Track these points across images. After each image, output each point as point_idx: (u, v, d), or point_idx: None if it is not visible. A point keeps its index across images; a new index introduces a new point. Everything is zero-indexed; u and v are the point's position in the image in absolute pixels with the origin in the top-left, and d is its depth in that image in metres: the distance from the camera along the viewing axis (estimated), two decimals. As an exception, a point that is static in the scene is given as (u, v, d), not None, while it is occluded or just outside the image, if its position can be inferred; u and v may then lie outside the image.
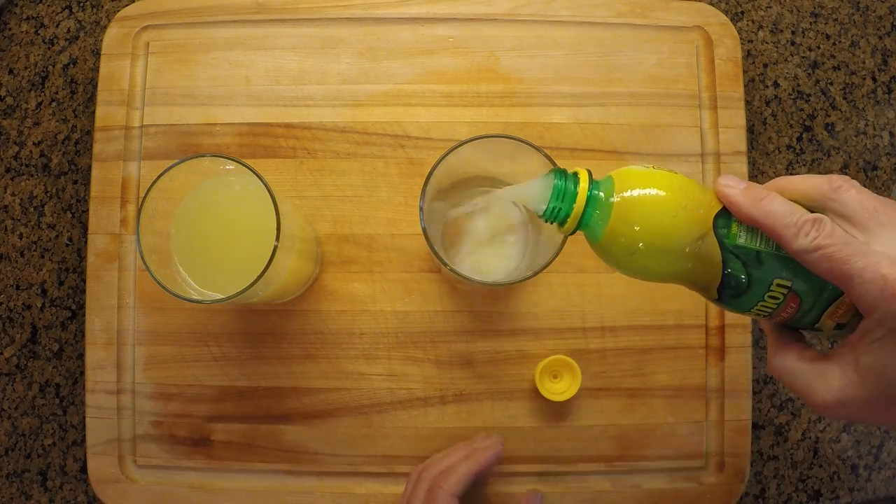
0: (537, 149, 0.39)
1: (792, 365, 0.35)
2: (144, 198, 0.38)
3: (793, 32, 0.57)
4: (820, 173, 0.55)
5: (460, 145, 0.39)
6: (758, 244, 0.31)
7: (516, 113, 0.52)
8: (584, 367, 0.50)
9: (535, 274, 0.39)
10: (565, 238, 0.38)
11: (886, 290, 0.30)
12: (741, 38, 0.55)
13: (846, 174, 0.55)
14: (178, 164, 0.39)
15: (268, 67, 0.53)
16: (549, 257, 0.39)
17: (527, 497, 0.47)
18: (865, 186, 0.55)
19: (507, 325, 0.51)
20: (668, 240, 0.31)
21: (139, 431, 0.50)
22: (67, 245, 0.55)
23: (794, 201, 0.32)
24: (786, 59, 0.56)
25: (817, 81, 0.56)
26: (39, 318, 0.54)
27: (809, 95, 0.56)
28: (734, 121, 0.52)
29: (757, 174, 0.55)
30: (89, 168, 0.52)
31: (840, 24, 0.57)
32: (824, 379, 0.33)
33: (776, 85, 0.56)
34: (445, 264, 0.38)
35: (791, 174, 0.55)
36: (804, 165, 0.55)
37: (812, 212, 0.31)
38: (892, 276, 0.29)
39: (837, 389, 0.33)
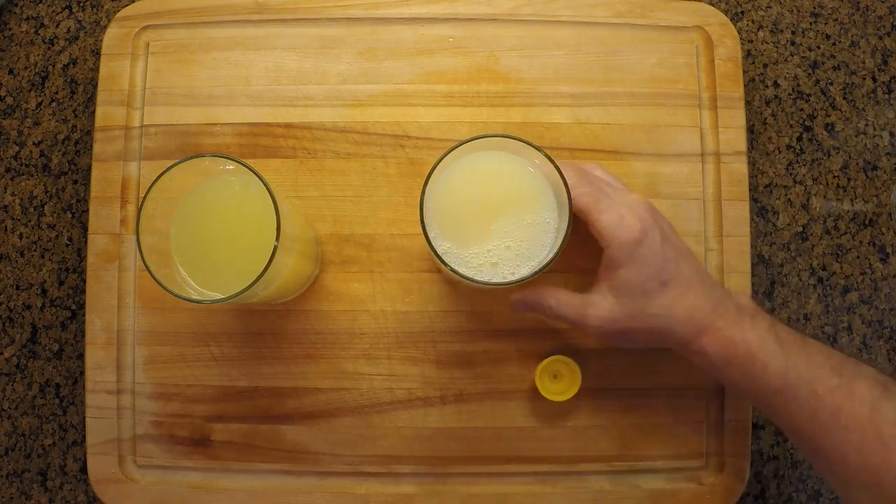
0: (537, 148, 0.39)
1: (566, 299, 0.43)
2: (144, 198, 0.38)
3: (793, 32, 0.57)
4: (820, 173, 0.55)
5: (461, 144, 0.39)
6: None
7: (516, 113, 0.52)
8: (584, 367, 0.50)
9: (535, 274, 0.39)
10: (566, 238, 0.38)
11: (622, 224, 0.40)
12: (741, 38, 0.55)
13: (846, 174, 0.55)
14: (178, 164, 0.39)
15: (268, 67, 0.53)
16: (550, 257, 0.39)
17: None
18: (865, 186, 0.56)
19: (507, 325, 0.51)
20: None
21: (139, 431, 0.50)
22: (67, 245, 0.55)
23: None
24: (786, 59, 0.56)
25: (817, 81, 0.56)
26: (39, 318, 0.54)
27: (809, 95, 0.56)
28: (734, 121, 0.52)
29: (757, 174, 0.55)
30: (89, 168, 0.52)
31: (840, 24, 0.57)
32: (593, 306, 0.42)
33: (776, 85, 0.56)
34: (445, 264, 0.38)
35: (791, 174, 0.55)
36: (804, 165, 0.55)
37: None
38: (627, 215, 0.41)
39: (604, 310, 0.42)
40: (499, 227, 0.41)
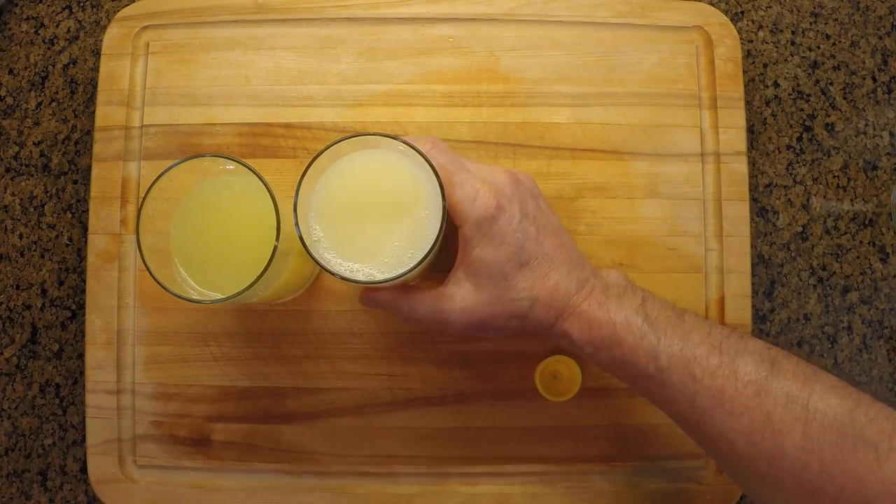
0: (408, 143, 0.37)
1: (416, 299, 0.40)
2: (144, 198, 0.38)
3: (793, 32, 0.57)
4: (820, 173, 0.55)
5: (336, 143, 0.37)
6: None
7: (516, 113, 0.52)
8: (584, 367, 0.50)
9: (413, 269, 0.36)
10: (441, 230, 0.37)
11: (477, 199, 0.37)
12: (741, 38, 0.55)
13: (846, 174, 0.55)
14: (178, 164, 0.39)
15: (268, 67, 0.53)
16: (426, 251, 0.36)
17: None
18: (865, 186, 0.56)
19: (507, 325, 0.51)
20: None
21: (139, 431, 0.50)
22: (67, 245, 0.55)
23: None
24: (786, 59, 0.56)
25: (817, 81, 0.56)
26: (39, 318, 0.54)
27: (809, 95, 0.56)
28: (734, 121, 0.52)
29: (757, 174, 0.55)
30: (89, 168, 0.52)
31: (840, 24, 0.57)
32: (450, 299, 0.39)
33: (776, 85, 0.56)
34: (323, 266, 0.37)
35: (791, 174, 0.55)
36: (804, 165, 0.55)
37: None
38: (482, 189, 0.37)
39: (462, 301, 0.38)
40: (384, 230, 0.39)
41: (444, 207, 0.37)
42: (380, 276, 0.38)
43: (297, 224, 0.37)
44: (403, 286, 0.41)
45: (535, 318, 0.39)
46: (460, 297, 0.39)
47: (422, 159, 0.37)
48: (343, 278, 0.37)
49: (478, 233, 0.38)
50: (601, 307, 0.39)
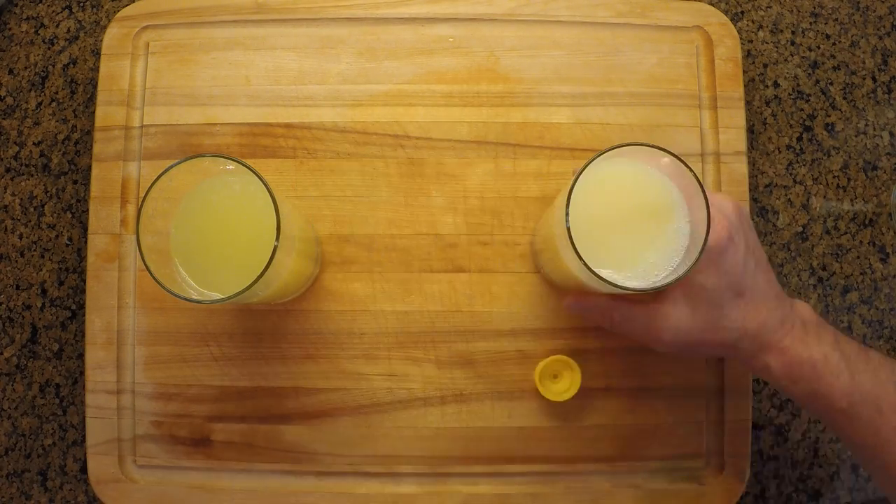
0: (676, 156, 0.37)
1: (631, 312, 0.41)
2: (144, 198, 0.38)
3: (793, 32, 0.57)
4: (820, 173, 0.55)
5: (597, 157, 0.37)
6: None
7: (516, 113, 0.52)
8: (584, 367, 0.50)
9: (679, 279, 0.37)
10: (706, 242, 0.36)
11: (712, 227, 0.37)
12: (741, 38, 0.55)
13: (846, 174, 0.55)
14: (178, 164, 0.39)
15: (268, 67, 0.53)
16: (690, 263, 0.37)
17: None
18: (865, 186, 0.56)
19: (507, 325, 0.51)
20: None
21: (139, 431, 0.50)
22: (67, 245, 0.55)
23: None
24: (786, 59, 0.56)
25: (817, 81, 0.56)
26: (39, 318, 0.54)
27: (809, 95, 0.56)
28: (734, 121, 0.52)
29: (757, 174, 0.55)
30: (89, 168, 0.52)
31: (840, 24, 0.57)
32: (665, 318, 0.40)
33: (776, 85, 0.56)
34: (588, 269, 0.36)
35: (791, 174, 0.55)
36: (804, 165, 0.55)
37: None
38: (716, 218, 0.38)
39: (678, 321, 0.40)
40: (637, 240, 0.39)
41: (708, 222, 0.36)
42: (631, 284, 0.37)
43: (567, 215, 0.36)
44: (621, 296, 0.42)
45: (739, 349, 0.41)
46: (675, 317, 0.40)
47: (672, 171, 0.37)
48: (598, 276, 0.36)
49: (705, 259, 0.38)
50: (802, 343, 0.40)
